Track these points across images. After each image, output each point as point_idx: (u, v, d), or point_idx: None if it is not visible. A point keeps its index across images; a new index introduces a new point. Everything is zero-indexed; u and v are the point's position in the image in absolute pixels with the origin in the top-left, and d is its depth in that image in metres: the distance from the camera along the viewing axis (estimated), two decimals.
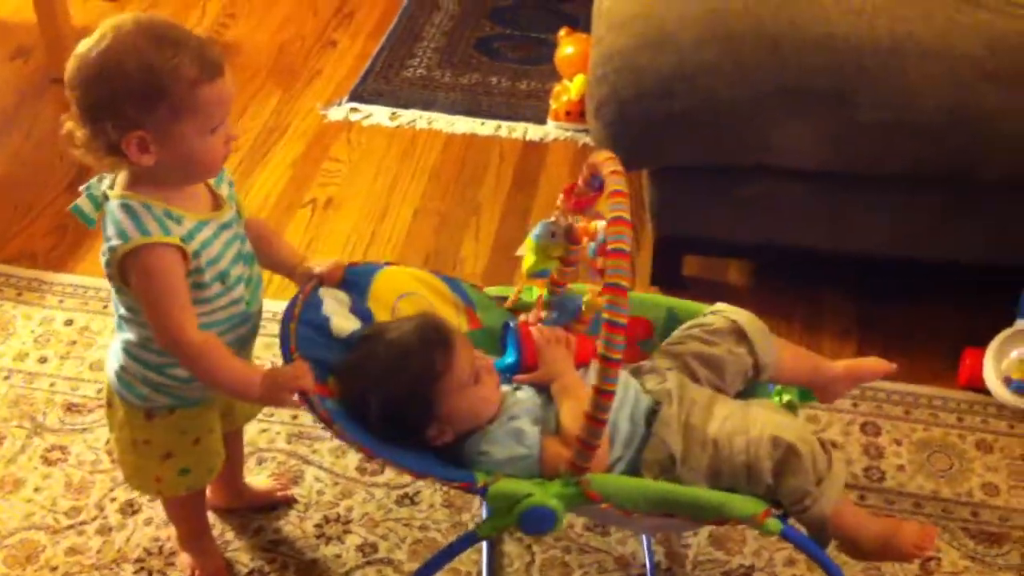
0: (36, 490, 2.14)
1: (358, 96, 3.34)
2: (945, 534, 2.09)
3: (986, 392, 2.35)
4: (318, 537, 2.07)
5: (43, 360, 2.41)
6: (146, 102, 1.49)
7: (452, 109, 3.29)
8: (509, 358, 1.77)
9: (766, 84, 2.27)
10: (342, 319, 1.74)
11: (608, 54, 2.37)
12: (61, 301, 2.57)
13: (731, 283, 2.71)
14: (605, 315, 1.44)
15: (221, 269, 1.62)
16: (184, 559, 2.01)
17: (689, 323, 1.84)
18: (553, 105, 3.23)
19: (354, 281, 1.80)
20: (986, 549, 2.07)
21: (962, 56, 2.25)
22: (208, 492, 2.06)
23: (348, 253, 2.74)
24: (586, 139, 3.15)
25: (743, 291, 2.68)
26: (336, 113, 3.27)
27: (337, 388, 1.68)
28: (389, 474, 2.18)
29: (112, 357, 1.73)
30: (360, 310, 1.78)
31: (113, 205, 1.56)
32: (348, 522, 2.10)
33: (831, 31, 2.28)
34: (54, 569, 2.01)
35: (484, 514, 2.10)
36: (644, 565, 2.03)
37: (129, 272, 1.56)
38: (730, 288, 2.68)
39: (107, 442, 2.21)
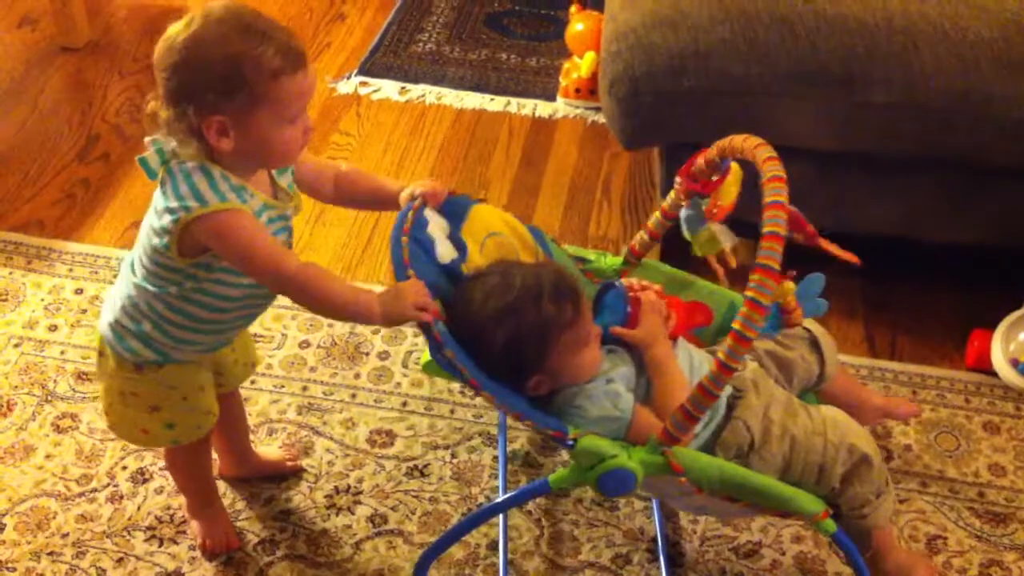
0: (47, 457, 2.15)
1: (367, 70, 3.34)
2: (951, 513, 2.11)
3: (993, 374, 2.37)
4: (328, 508, 2.08)
5: (53, 328, 2.41)
6: (227, 90, 1.51)
7: (461, 84, 3.29)
8: (610, 318, 1.76)
9: (779, 63, 2.27)
10: (444, 244, 1.74)
11: (622, 31, 2.36)
12: (71, 270, 2.57)
13: (740, 262, 2.71)
14: (749, 293, 1.45)
15: None
16: (195, 527, 2.02)
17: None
18: (563, 82, 3.23)
19: (452, 210, 1.79)
20: (992, 529, 2.09)
21: (975, 40, 2.25)
22: (217, 461, 2.07)
23: (357, 227, 2.74)
24: (595, 116, 3.15)
25: (750, 270, 2.67)
26: (345, 87, 3.27)
27: (445, 315, 1.66)
28: (399, 446, 2.19)
29: (108, 308, 1.74)
30: (456, 239, 1.77)
31: (190, 165, 1.57)
32: (358, 493, 2.11)
33: (844, 11, 2.28)
34: (65, 536, 2.02)
35: (500, 486, 2.11)
36: (652, 539, 2.05)
37: (199, 235, 1.56)
38: (738, 267, 2.68)
39: None
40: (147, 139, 1.61)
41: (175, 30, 1.53)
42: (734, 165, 1.79)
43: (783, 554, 2.04)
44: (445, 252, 1.72)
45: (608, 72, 2.37)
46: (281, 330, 2.41)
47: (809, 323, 1.86)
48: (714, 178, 1.79)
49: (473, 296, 1.67)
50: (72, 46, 3.34)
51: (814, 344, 1.85)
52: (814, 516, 1.64)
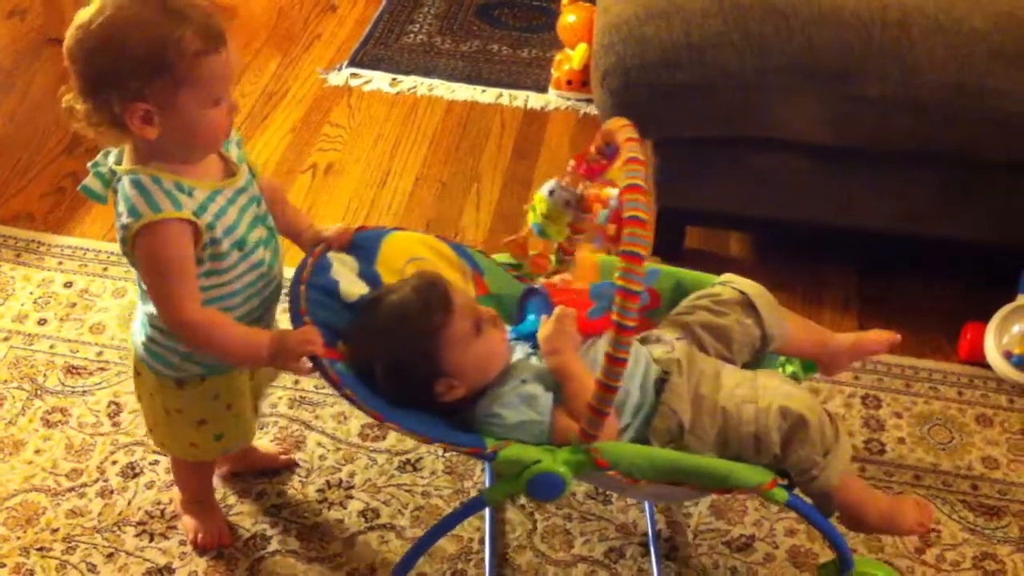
0: (36, 452, 2.13)
1: (358, 61, 3.32)
2: (945, 507, 2.10)
3: (986, 366, 2.36)
4: (320, 502, 2.07)
5: (42, 322, 2.40)
6: (149, 74, 1.46)
7: (453, 76, 3.27)
8: (531, 322, 1.75)
9: (773, 56, 2.26)
10: (350, 283, 1.74)
11: (615, 23, 2.35)
12: (60, 263, 2.55)
13: (733, 256, 2.71)
14: (619, 282, 1.43)
15: (239, 236, 1.61)
16: (187, 522, 2.01)
17: (697, 293, 1.84)
18: (555, 74, 3.21)
19: (362, 245, 1.79)
20: (985, 522, 2.09)
21: (969, 32, 2.24)
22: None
23: (349, 219, 2.72)
24: (587, 108, 3.14)
25: (745, 264, 2.67)
26: (336, 78, 3.25)
27: (346, 352, 1.67)
28: (391, 440, 2.18)
29: (138, 328, 1.72)
30: (368, 274, 1.77)
31: (124, 181, 1.54)
32: (350, 487, 2.10)
33: (839, 3, 2.27)
34: (55, 531, 2.00)
35: (487, 481, 2.10)
36: (645, 534, 2.04)
37: (136, 250, 1.54)
38: (732, 261, 2.68)
39: (108, 405, 2.21)
40: (88, 164, 1.59)
41: (87, 15, 1.47)
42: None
43: (776, 547, 2.03)
44: (351, 291, 1.73)
45: (601, 64, 2.36)
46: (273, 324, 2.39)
47: (745, 284, 1.81)
48: (603, 163, 1.76)
49: (354, 331, 1.68)
50: (61, 37, 3.23)
51: (749, 306, 1.79)
52: (759, 487, 1.61)
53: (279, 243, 1.73)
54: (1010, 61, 2.22)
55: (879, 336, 1.91)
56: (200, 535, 1.99)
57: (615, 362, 1.46)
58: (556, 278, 1.85)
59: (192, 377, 1.72)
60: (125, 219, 1.53)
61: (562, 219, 1.83)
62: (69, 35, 1.49)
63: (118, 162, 1.58)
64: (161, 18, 1.45)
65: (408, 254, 1.82)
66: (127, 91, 1.47)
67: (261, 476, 2.11)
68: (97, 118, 1.50)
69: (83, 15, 1.48)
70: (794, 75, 2.26)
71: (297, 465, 2.14)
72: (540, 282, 1.84)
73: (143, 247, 1.53)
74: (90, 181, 1.58)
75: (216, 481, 2.07)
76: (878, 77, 2.23)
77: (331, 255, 1.76)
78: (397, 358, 1.63)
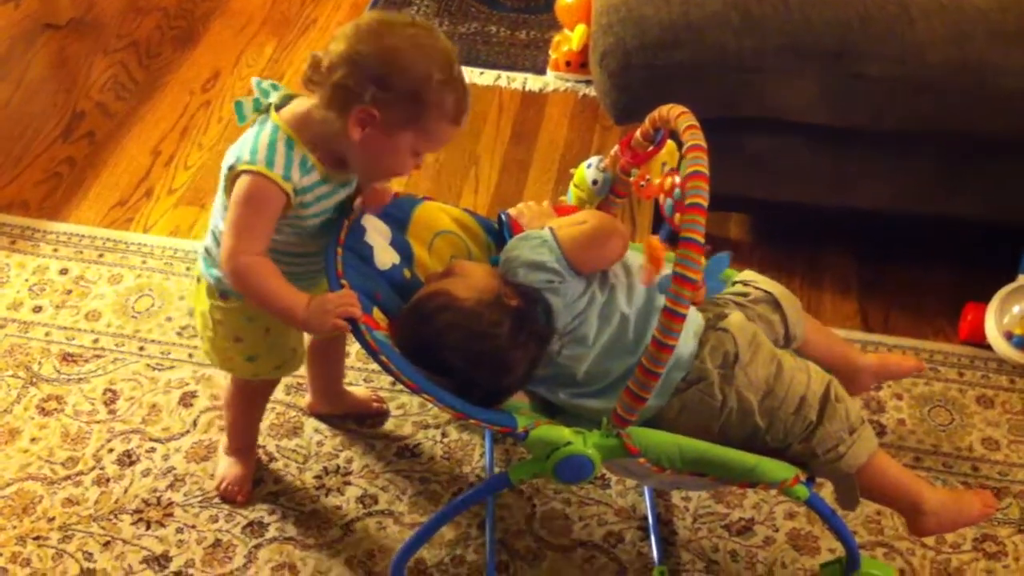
0: (32, 440, 2.13)
1: None
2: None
3: (987, 347, 2.35)
4: (318, 488, 2.06)
5: (38, 309, 2.38)
6: (402, 96, 1.55)
7: None
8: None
9: (772, 36, 2.24)
10: (383, 251, 1.74)
11: (613, 3, 2.33)
12: (55, 250, 2.54)
13: (732, 238, 2.69)
14: (677, 269, 1.42)
15: (326, 219, 1.69)
16: (220, 465, 2.06)
17: (724, 291, 1.83)
18: (553, 55, 3.19)
19: (393, 214, 1.79)
20: None
21: (970, 10, 2.22)
22: (308, 398, 2.16)
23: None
24: (586, 90, 3.11)
25: (744, 246, 2.66)
26: None
27: (393, 334, 1.65)
28: (389, 426, 2.17)
29: (208, 236, 1.78)
30: (399, 243, 1.77)
31: (268, 125, 1.62)
32: (348, 474, 2.09)
33: None
34: (51, 520, 2.00)
35: (487, 467, 2.09)
36: (644, 518, 2.03)
37: (234, 185, 1.62)
38: (731, 243, 2.66)
39: (104, 392, 2.21)
40: (254, 80, 1.65)
41: (389, 24, 1.57)
42: (670, 144, 1.75)
43: (776, 531, 2.02)
44: (384, 259, 1.73)
45: (599, 45, 2.34)
46: None
47: (768, 284, 1.82)
48: (649, 149, 1.75)
49: (410, 334, 1.64)
50: (55, 23, 3.30)
51: (775, 304, 1.80)
52: (782, 483, 1.60)
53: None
54: (1011, 40, 2.20)
55: (905, 361, 1.93)
56: (223, 483, 2.04)
57: (663, 348, 1.45)
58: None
59: (231, 292, 1.76)
60: (242, 155, 1.61)
61: (590, 194, 1.83)
62: (364, 32, 1.57)
63: (279, 106, 1.64)
64: (445, 70, 1.57)
65: (437, 227, 1.83)
66: (374, 97, 1.55)
67: (355, 419, 2.17)
68: (337, 95, 1.56)
69: (389, 18, 1.59)
70: (793, 55, 2.24)
71: (389, 414, 2.18)
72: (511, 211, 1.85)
73: (241, 185, 1.60)
74: (246, 101, 1.65)
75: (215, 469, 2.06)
76: (877, 56, 2.21)
77: (364, 220, 1.74)
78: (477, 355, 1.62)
